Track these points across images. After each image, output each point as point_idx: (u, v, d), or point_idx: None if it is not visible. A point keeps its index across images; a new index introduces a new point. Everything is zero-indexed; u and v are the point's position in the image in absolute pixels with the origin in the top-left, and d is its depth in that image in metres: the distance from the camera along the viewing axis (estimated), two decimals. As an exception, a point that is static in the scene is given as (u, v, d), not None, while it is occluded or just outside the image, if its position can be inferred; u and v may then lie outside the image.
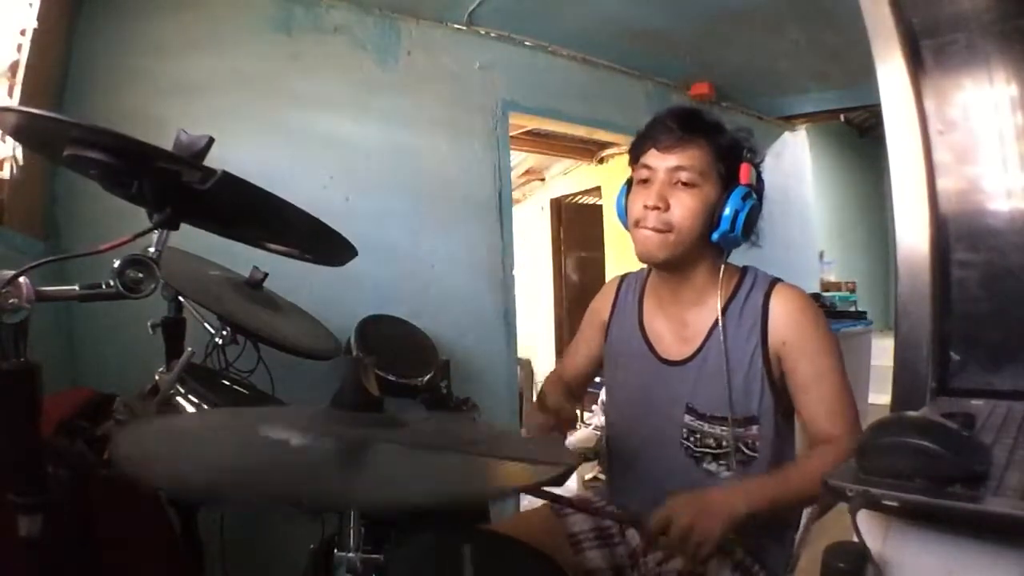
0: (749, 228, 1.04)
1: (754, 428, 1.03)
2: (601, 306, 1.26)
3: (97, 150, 0.72)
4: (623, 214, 1.11)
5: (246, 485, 0.54)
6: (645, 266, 1.18)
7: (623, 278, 1.26)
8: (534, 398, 4.57)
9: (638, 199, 1.05)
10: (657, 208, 1.02)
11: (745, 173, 1.03)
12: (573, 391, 1.29)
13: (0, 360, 0.69)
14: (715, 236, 1.03)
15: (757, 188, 1.06)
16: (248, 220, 1.00)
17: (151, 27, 1.85)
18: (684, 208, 1.02)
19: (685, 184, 1.02)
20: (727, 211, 1.01)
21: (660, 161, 1.03)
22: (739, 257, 1.13)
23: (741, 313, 1.05)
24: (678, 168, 1.02)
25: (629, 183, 1.11)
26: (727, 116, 3.25)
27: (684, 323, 1.11)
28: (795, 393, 1.02)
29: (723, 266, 1.08)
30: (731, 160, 1.04)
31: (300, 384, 1.49)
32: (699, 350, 1.07)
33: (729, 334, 1.05)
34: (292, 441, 0.62)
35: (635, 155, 1.09)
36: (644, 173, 1.05)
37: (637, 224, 1.05)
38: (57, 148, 0.76)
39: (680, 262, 1.06)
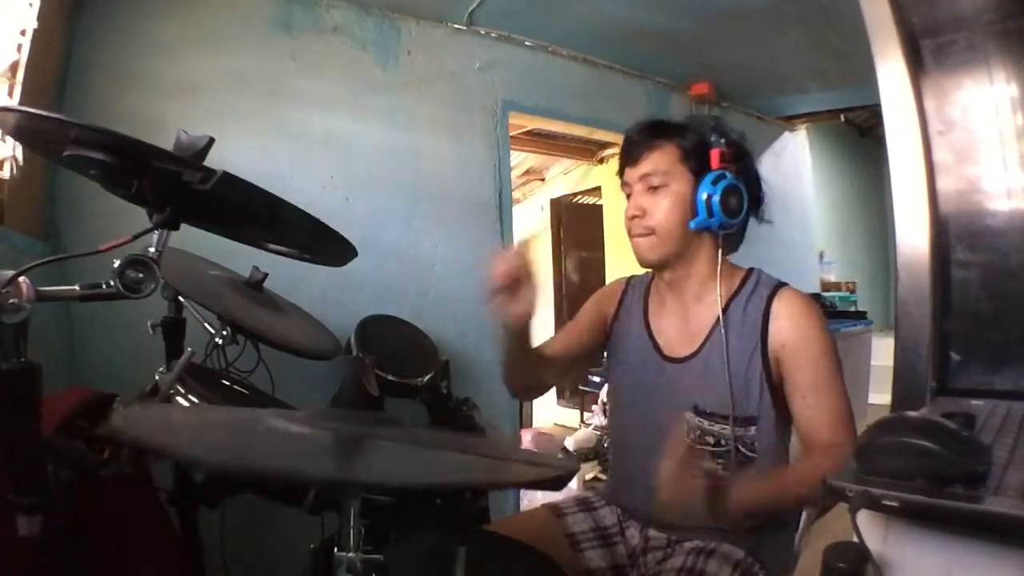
0: (730, 208, 1.04)
1: (752, 429, 1.03)
2: (606, 302, 1.26)
3: (97, 150, 0.73)
4: None
5: (247, 462, 0.55)
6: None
7: (628, 280, 1.27)
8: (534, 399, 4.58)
9: (625, 213, 1.11)
10: (637, 216, 1.08)
11: (715, 158, 1.06)
12: (544, 357, 1.26)
13: (0, 360, 0.69)
14: (692, 224, 1.06)
15: (737, 168, 1.07)
16: (248, 220, 1.01)
17: (151, 27, 1.85)
18: (659, 209, 1.07)
19: (656, 187, 1.08)
20: (700, 198, 1.04)
21: (632, 174, 1.10)
22: (743, 254, 1.13)
23: (744, 312, 1.06)
24: (646, 175, 1.08)
25: None
26: (727, 116, 3.29)
27: (687, 319, 1.11)
28: (792, 398, 1.02)
29: (725, 261, 1.09)
30: (701, 152, 1.07)
31: (300, 384, 1.48)
32: (701, 347, 1.08)
33: (730, 332, 1.05)
34: (292, 429, 0.62)
35: (620, 175, 1.15)
36: (626, 189, 1.13)
37: (630, 234, 1.11)
38: (57, 148, 0.76)
39: (673, 259, 1.09)
